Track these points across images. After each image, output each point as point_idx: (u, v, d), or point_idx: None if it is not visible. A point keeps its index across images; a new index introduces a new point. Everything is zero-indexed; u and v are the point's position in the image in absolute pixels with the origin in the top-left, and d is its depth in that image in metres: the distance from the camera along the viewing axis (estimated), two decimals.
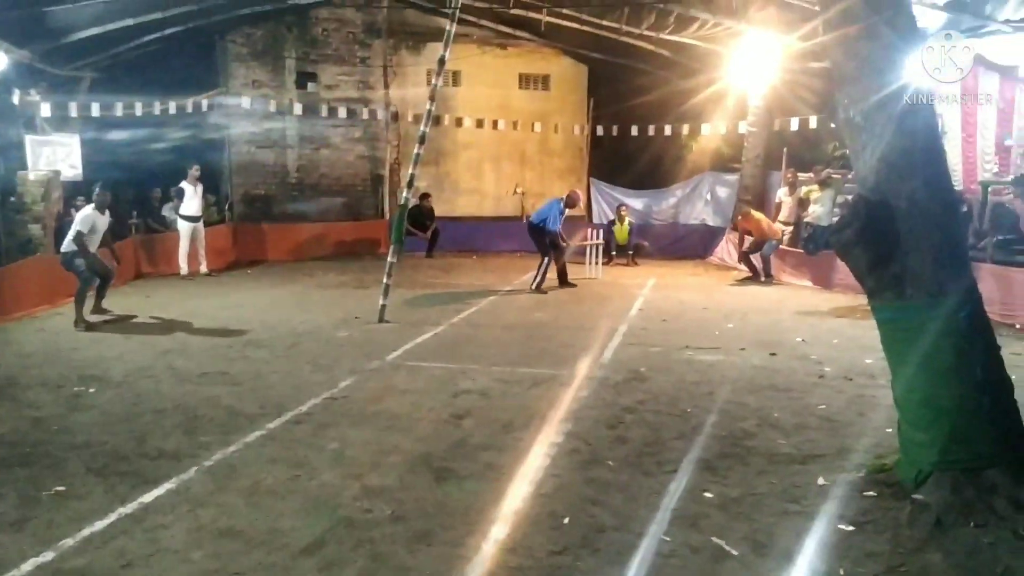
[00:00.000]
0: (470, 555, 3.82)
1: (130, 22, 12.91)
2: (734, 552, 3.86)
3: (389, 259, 9.94)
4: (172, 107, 15.06)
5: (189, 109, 15.48)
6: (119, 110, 14.47)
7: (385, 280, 9.82)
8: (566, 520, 4.20)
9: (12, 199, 12.22)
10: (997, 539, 3.91)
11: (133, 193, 15.56)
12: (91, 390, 6.70)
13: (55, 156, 13.56)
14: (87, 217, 9.55)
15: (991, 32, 10.75)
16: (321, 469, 4.92)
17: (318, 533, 4.03)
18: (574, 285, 12.75)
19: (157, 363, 7.66)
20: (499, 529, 4.10)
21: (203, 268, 13.91)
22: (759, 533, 4.06)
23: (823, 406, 6.30)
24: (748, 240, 13.80)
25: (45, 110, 13.62)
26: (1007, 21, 10.63)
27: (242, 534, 4.03)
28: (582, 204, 12.89)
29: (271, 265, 15.69)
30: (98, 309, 9.93)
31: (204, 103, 15.86)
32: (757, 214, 13.79)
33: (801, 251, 13.38)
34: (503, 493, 4.55)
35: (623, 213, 16.68)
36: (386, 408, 6.24)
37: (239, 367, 7.55)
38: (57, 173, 13.06)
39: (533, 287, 12.33)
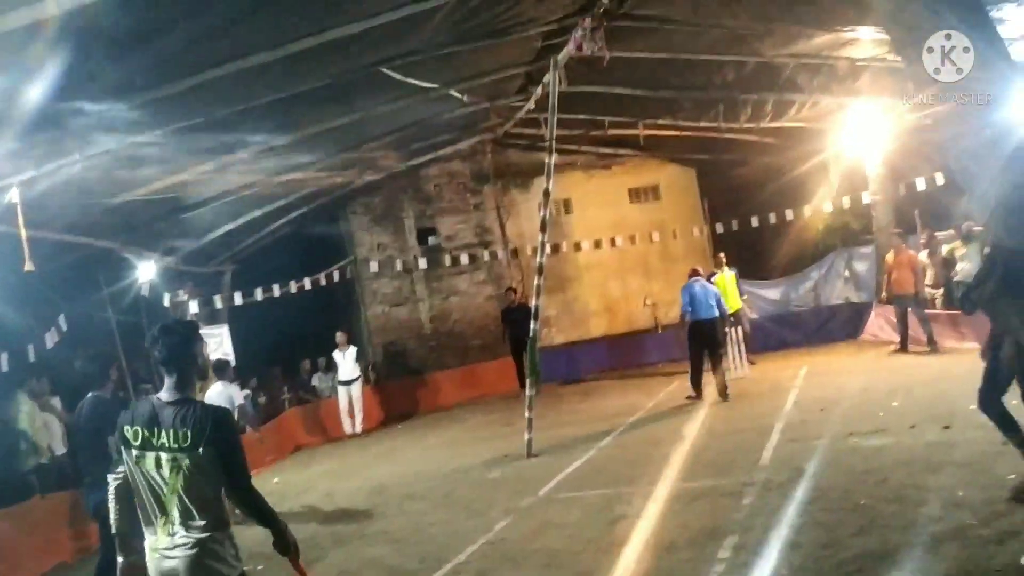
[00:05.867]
0: None
1: (258, 213, 13.90)
2: None
3: (527, 392, 9.94)
4: (307, 283, 15.97)
5: (323, 282, 16.38)
6: (259, 295, 15.44)
7: (527, 414, 9.79)
8: None
9: None
10: None
11: (281, 370, 16.37)
12: (259, 567, 6.80)
13: (208, 348, 14.48)
14: None
15: None
16: None
17: None
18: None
19: (320, 531, 7.80)
20: None
21: (358, 428, 14.39)
22: None
23: (1012, 476, 5.74)
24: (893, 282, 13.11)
25: (193, 307, 14.64)
26: None
27: None
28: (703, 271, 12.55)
29: (419, 416, 15.94)
30: None
31: (336, 274, 16.75)
32: (911, 251, 13.28)
33: (958, 313, 12.58)
34: None
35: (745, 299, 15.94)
36: (544, 545, 6.11)
37: (398, 523, 7.61)
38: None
39: (721, 396, 11.38)
